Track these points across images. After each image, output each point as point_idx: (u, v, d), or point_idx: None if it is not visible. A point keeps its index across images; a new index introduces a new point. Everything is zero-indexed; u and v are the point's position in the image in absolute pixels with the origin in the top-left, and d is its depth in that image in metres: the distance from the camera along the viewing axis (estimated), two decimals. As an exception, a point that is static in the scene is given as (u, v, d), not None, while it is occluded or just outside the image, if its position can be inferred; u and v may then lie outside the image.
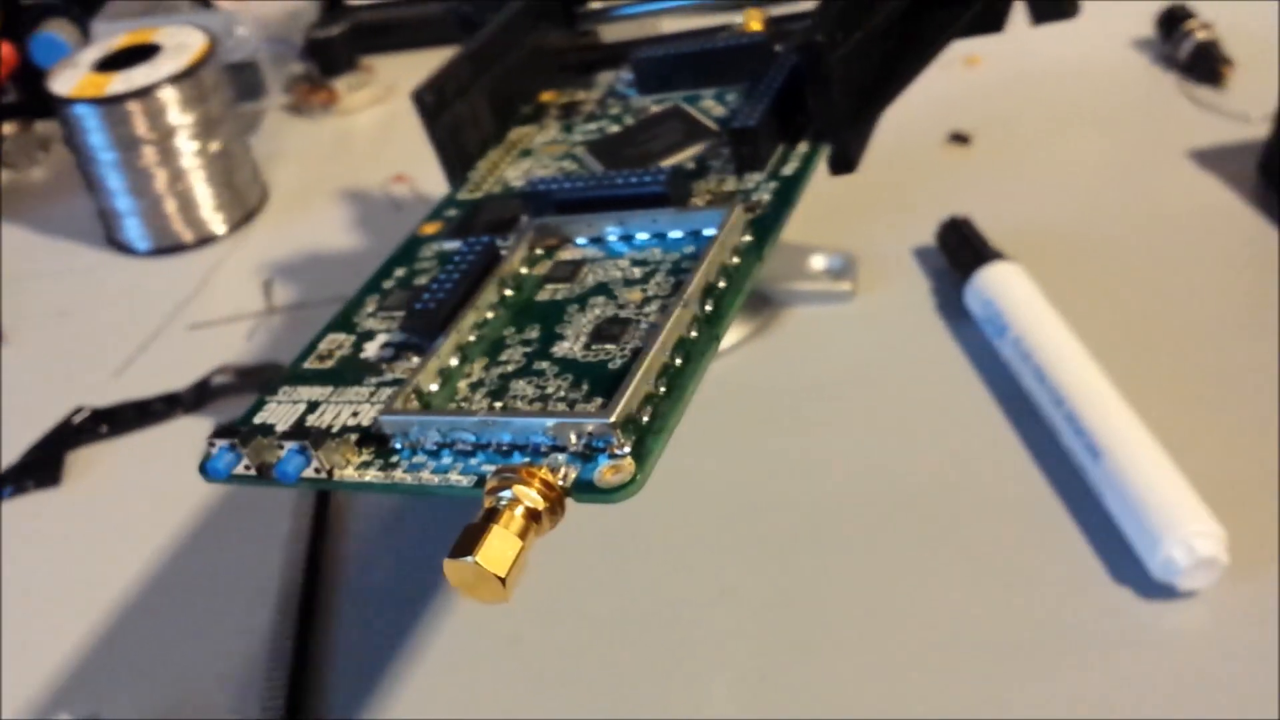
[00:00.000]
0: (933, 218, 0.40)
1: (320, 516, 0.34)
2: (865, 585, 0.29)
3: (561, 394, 0.22)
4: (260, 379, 0.39)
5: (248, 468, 0.22)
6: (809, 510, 0.32)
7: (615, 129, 0.32)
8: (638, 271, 0.25)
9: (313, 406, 0.24)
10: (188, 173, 0.48)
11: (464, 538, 0.19)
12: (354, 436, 0.23)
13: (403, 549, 0.33)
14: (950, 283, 0.39)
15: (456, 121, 0.32)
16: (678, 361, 0.22)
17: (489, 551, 0.19)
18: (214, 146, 0.48)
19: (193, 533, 0.34)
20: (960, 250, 0.38)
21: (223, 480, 0.23)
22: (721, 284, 0.24)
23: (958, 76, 0.51)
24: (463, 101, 0.32)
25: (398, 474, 0.22)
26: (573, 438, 0.20)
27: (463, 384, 0.23)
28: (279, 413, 0.24)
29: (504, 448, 0.21)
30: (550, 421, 0.20)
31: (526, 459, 0.21)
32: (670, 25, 0.38)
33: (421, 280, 0.28)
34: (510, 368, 0.23)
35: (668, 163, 0.29)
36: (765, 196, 0.26)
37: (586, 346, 0.23)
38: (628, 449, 0.20)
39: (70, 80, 0.47)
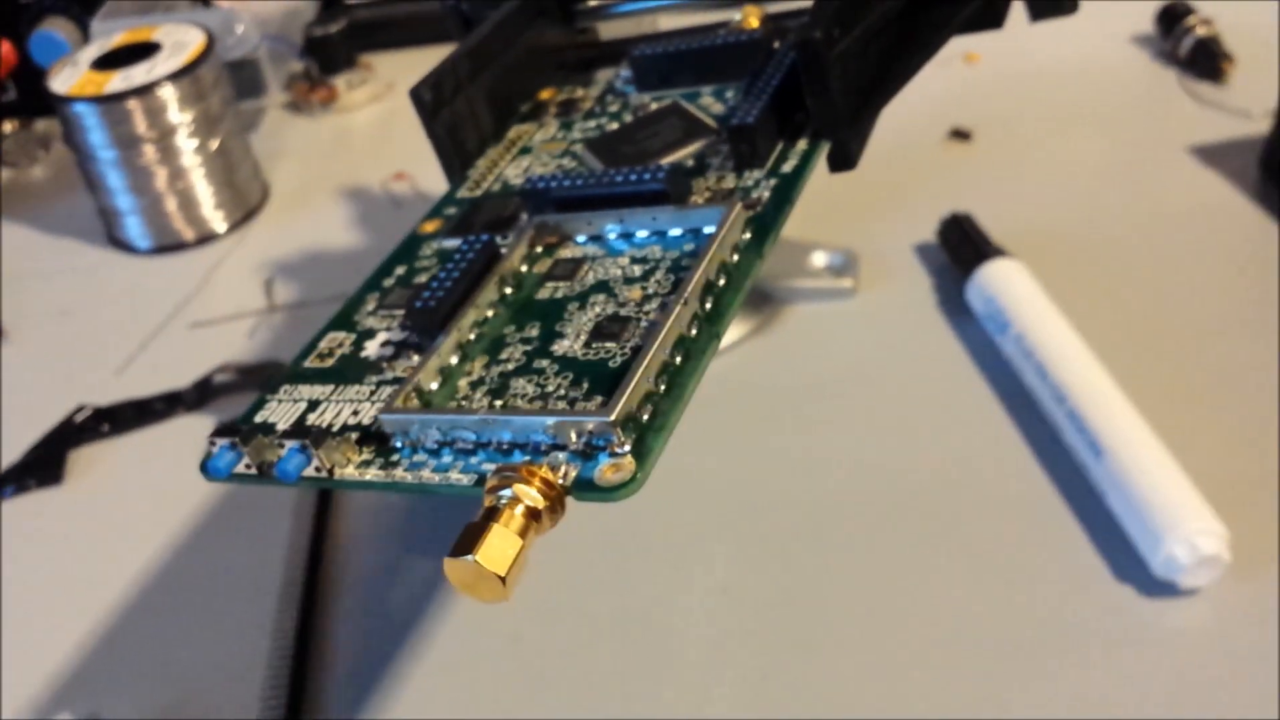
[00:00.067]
0: (934, 215, 0.40)
1: (321, 515, 0.34)
2: (866, 584, 0.29)
3: (562, 392, 0.22)
4: (261, 377, 0.39)
5: (248, 466, 0.22)
6: (810, 508, 0.32)
7: (614, 126, 0.32)
8: (637, 269, 0.25)
9: (313, 405, 0.24)
10: (188, 171, 0.48)
11: (464, 537, 0.19)
12: (354, 435, 0.23)
13: (403, 548, 0.33)
14: (951, 280, 0.39)
15: (455, 119, 0.32)
16: (678, 359, 0.22)
17: (489, 550, 0.19)
18: (214, 144, 0.48)
19: (194, 531, 0.34)
20: (961, 247, 0.38)
21: (224, 479, 0.23)
22: (721, 282, 0.23)
23: (957, 73, 0.51)
24: (461, 99, 0.32)
25: (398, 473, 0.22)
26: (573, 436, 0.20)
27: (463, 382, 0.23)
28: (280, 411, 0.24)
29: (504, 446, 0.21)
30: (550, 420, 0.20)
31: (527, 457, 0.21)
32: (668, 22, 0.38)
33: (422, 278, 0.28)
34: (510, 366, 0.23)
35: (667, 160, 0.29)
36: (765, 194, 0.26)
37: (587, 344, 0.23)
38: (628, 447, 0.20)
39: (70, 79, 0.47)
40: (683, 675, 0.28)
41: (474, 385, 0.23)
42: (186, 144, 0.48)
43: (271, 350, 0.41)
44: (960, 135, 0.47)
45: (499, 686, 0.29)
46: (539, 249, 0.27)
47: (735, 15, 0.34)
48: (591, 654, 0.29)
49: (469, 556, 0.18)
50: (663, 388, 0.21)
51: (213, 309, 0.45)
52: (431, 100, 0.31)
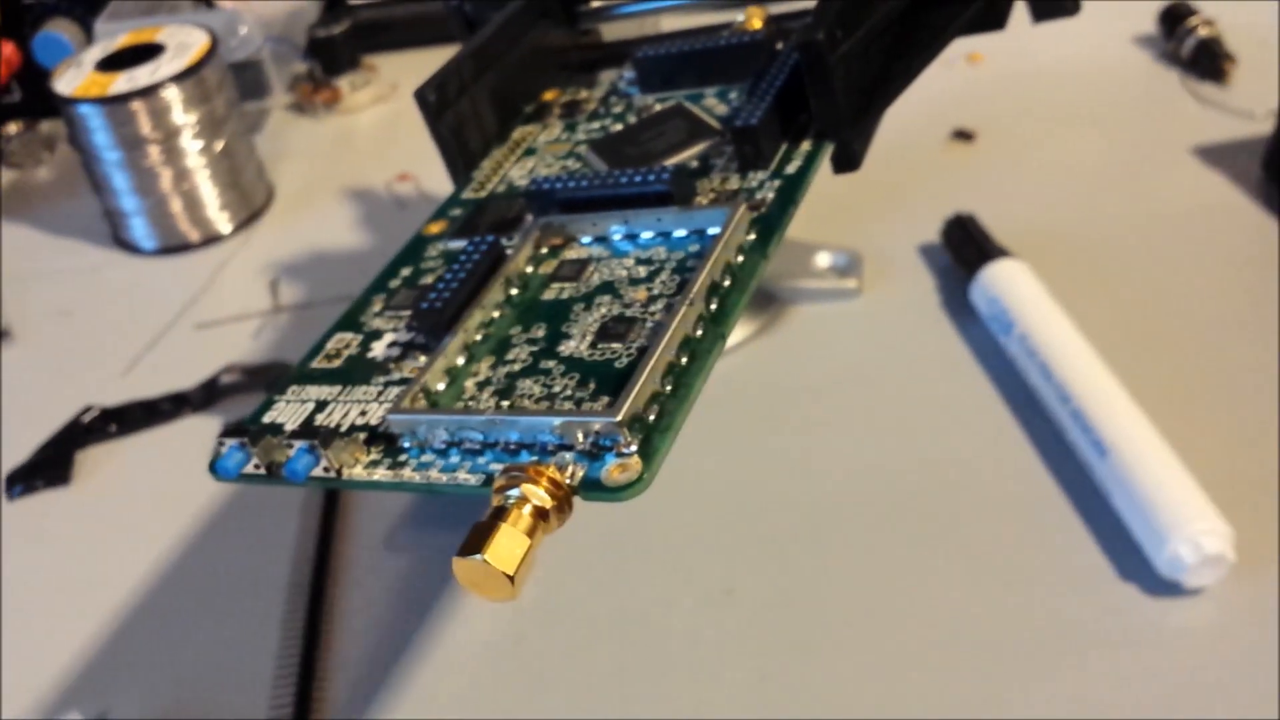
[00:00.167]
0: (937, 215, 0.40)
1: (328, 515, 0.34)
2: (869, 584, 0.30)
3: (568, 393, 0.22)
4: (267, 378, 0.39)
5: (257, 467, 0.23)
6: (814, 509, 0.32)
7: (618, 127, 0.32)
8: (643, 270, 0.25)
9: (321, 406, 0.24)
10: (192, 172, 0.48)
11: (472, 536, 0.19)
12: (362, 435, 0.23)
13: (410, 547, 0.33)
14: (955, 280, 0.39)
15: (459, 120, 0.32)
16: (683, 360, 0.22)
17: (497, 550, 0.19)
18: (218, 146, 0.49)
19: (201, 532, 0.34)
20: (965, 248, 0.38)
21: (232, 479, 0.23)
22: (726, 282, 0.24)
23: (960, 74, 0.51)
24: (465, 100, 0.32)
25: (406, 473, 0.22)
26: (580, 436, 0.20)
27: (470, 383, 0.23)
28: (287, 412, 0.24)
29: (511, 446, 0.21)
30: (557, 420, 0.20)
31: (534, 457, 0.21)
32: (671, 24, 0.38)
33: (427, 279, 0.28)
34: (517, 366, 0.23)
35: (671, 161, 0.29)
36: (769, 195, 0.26)
37: (593, 345, 0.23)
38: (634, 447, 0.20)
39: (74, 80, 0.47)
40: (684, 676, 0.28)
41: (481, 386, 0.23)
42: (191, 145, 0.48)
43: (277, 351, 0.42)
44: (963, 136, 0.47)
45: (504, 686, 0.29)
46: (544, 250, 0.27)
47: (738, 16, 0.34)
48: (594, 654, 0.29)
49: (477, 556, 0.19)
50: (669, 388, 0.21)
51: (218, 310, 0.45)
52: (436, 101, 0.31)
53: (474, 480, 0.21)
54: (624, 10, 0.37)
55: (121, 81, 0.47)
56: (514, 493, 0.19)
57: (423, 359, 0.25)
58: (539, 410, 0.22)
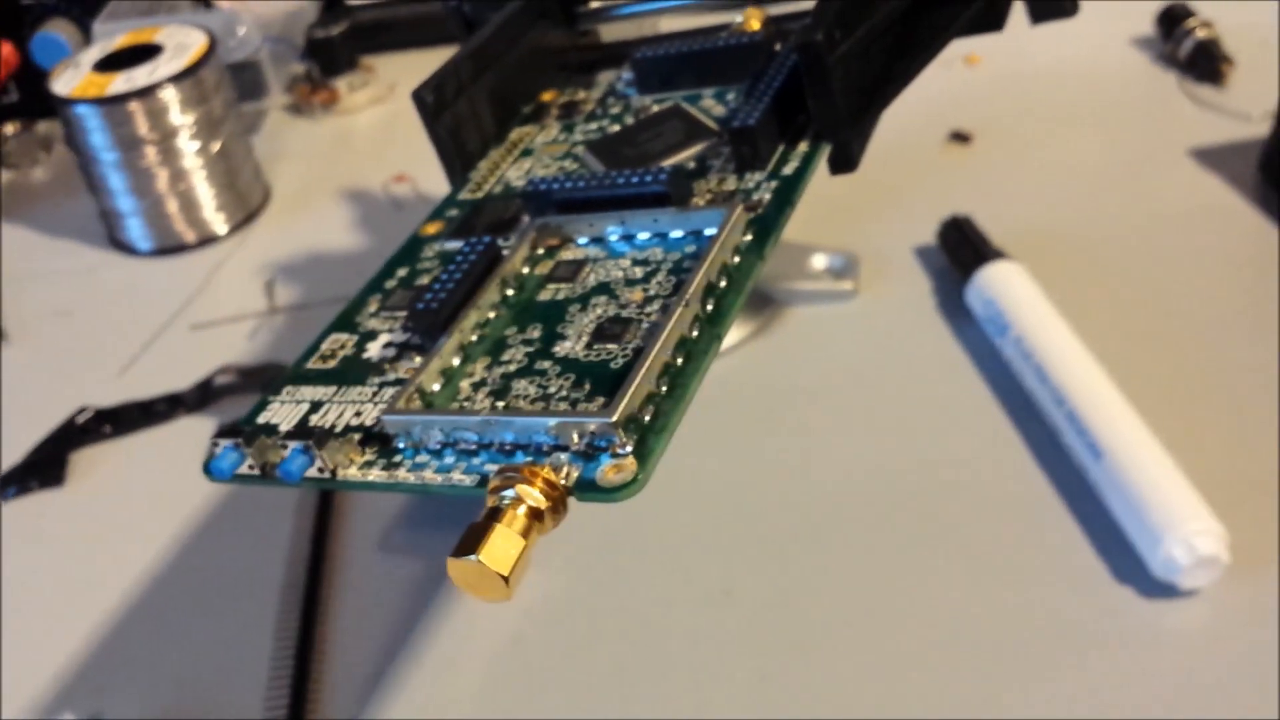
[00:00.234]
0: (934, 217, 0.40)
1: (323, 515, 0.34)
2: (866, 585, 0.30)
3: (564, 393, 0.22)
4: (262, 379, 0.39)
5: (251, 468, 0.22)
6: (810, 510, 0.32)
7: (616, 128, 0.32)
8: (639, 271, 0.25)
9: (316, 406, 0.24)
10: (189, 173, 0.48)
11: (467, 537, 0.19)
12: (357, 436, 0.23)
13: (405, 548, 0.33)
14: (951, 282, 0.39)
15: (457, 121, 0.32)
16: (679, 361, 0.22)
17: (492, 550, 0.19)
18: (215, 146, 0.49)
19: (196, 532, 0.34)
20: (961, 249, 0.38)
21: (227, 480, 0.23)
22: (723, 283, 0.24)
23: (958, 75, 0.52)
24: (463, 101, 0.32)
25: (401, 473, 0.22)
26: (575, 437, 0.20)
27: (465, 383, 0.23)
28: (282, 413, 0.24)
29: (506, 447, 0.21)
30: (552, 421, 0.20)
31: (529, 458, 0.21)
32: (669, 24, 0.38)
33: (423, 280, 0.28)
34: (512, 367, 0.23)
35: (668, 162, 0.29)
36: (766, 196, 0.26)
37: (588, 346, 0.23)
38: (630, 448, 0.20)
39: (71, 80, 0.47)
40: (682, 676, 0.28)
41: (476, 386, 0.23)
42: (188, 146, 0.48)
43: (272, 352, 0.41)
44: (960, 137, 0.47)
45: (500, 687, 0.29)
46: (540, 251, 0.27)
47: (737, 17, 0.34)
48: (591, 654, 0.29)
49: (472, 556, 0.19)
50: (664, 389, 0.21)
51: (214, 310, 0.45)
52: (434, 102, 0.31)
53: (469, 481, 0.21)
54: (622, 11, 0.37)
55: (119, 82, 0.46)
56: (509, 493, 0.19)
57: (418, 359, 0.25)
58: (534, 411, 0.22)
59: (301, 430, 0.23)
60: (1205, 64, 0.48)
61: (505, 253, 0.27)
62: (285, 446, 0.22)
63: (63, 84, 0.47)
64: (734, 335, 0.38)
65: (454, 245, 0.29)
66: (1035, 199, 0.43)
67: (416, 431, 0.22)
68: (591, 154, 0.30)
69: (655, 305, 0.24)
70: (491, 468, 0.21)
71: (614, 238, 0.26)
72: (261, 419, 0.24)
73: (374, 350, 0.26)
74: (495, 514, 0.19)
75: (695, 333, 0.22)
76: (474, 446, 0.21)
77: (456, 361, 0.24)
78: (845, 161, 0.28)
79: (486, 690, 0.29)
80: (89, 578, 0.34)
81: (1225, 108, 0.46)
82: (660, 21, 0.39)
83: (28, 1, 0.56)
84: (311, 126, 0.58)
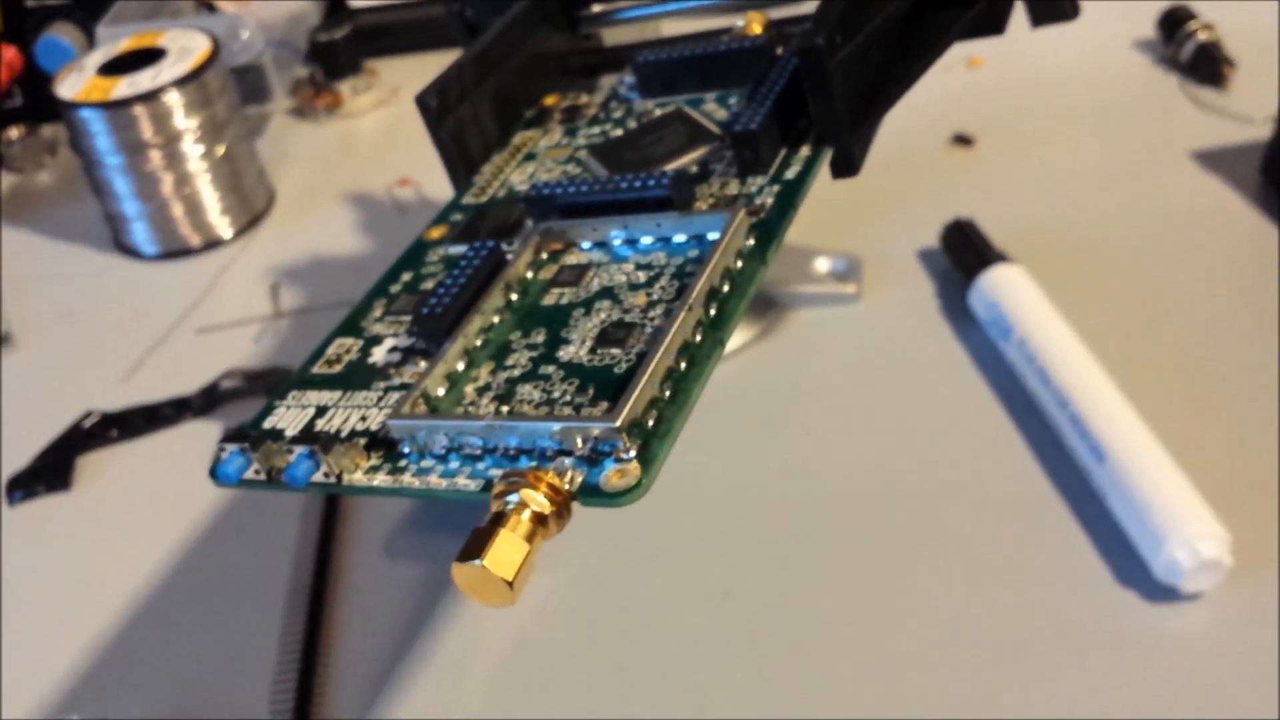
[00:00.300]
0: (936, 220, 0.40)
1: (328, 519, 0.34)
2: (869, 587, 0.30)
3: (567, 398, 0.22)
4: (268, 383, 0.40)
5: (258, 472, 0.23)
6: (813, 513, 0.32)
7: (618, 132, 0.32)
8: (642, 275, 0.25)
9: (321, 411, 0.24)
10: (194, 176, 0.48)
11: (471, 541, 0.19)
12: (362, 441, 0.23)
13: (410, 552, 0.33)
14: (954, 285, 0.39)
15: (460, 125, 0.32)
16: (683, 365, 0.22)
17: (496, 555, 0.19)
18: (219, 150, 0.49)
19: (202, 536, 0.34)
20: (964, 252, 0.39)
21: (233, 485, 0.23)
22: (725, 288, 0.24)
23: (960, 78, 0.52)
24: (466, 105, 0.32)
25: (405, 478, 0.22)
26: (579, 442, 0.20)
27: (469, 388, 0.23)
28: (288, 417, 0.24)
29: (511, 452, 0.21)
30: (556, 426, 0.20)
31: (533, 463, 0.21)
32: (671, 28, 0.38)
33: (428, 285, 0.28)
34: (516, 372, 0.23)
35: (671, 166, 0.29)
36: (768, 200, 0.26)
37: (592, 351, 0.23)
38: (633, 453, 0.20)
39: (75, 84, 0.47)
40: (685, 677, 0.28)
41: (480, 391, 0.23)
42: (192, 150, 0.48)
43: (278, 356, 0.42)
44: (963, 140, 0.47)
45: (505, 689, 0.29)
46: (544, 255, 0.27)
47: (738, 21, 0.34)
48: (594, 656, 0.29)
49: (476, 561, 0.19)
50: (668, 393, 0.21)
51: (219, 314, 0.45)
52: (437, 107, 0.31)
53: (473, 486, 0.21)
54: (625, 15, 0.37)
55: (123, 86, 0.47)
56: (513, 498, 0.20)
57: (423, 364, 0.25)
58: (538, 416, 0.22)
59: (307, 435, 0.23)
60: (1207, 66, 0.48)
61: (509, 257, 0.27)
62: (291, 451, 0.22)
63: (67, 88, 0.47)
64: (737, 338, 0.38)
65: (458, 250, 0.29)
66: (1038, 202, 0.43)
67: (421, 436, 0.22)
68: (594, 158, 0.30)
69: (658, 310, 0.24)
70: (496, 472, 0.21)
71: (617, 242, 0.27)
72: (267, 424, 0.24)
73: (379, 355, 0.26)
74: (499, 519, 0.19)
75: (698, 337, 0.22)
76: (478, 451, 0.21)
77: (461, 366, 0.24)
78: (847, 166, 0.28)
79: (491, 692, 0.29)
80: (95, 581, 0.34)
81: (1227, 110, 0.46)
82: (662, 25, 0.39)
83: (32, 5, 0.56)
84: (315, 130, 0.58)
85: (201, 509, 0.35)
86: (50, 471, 0.38)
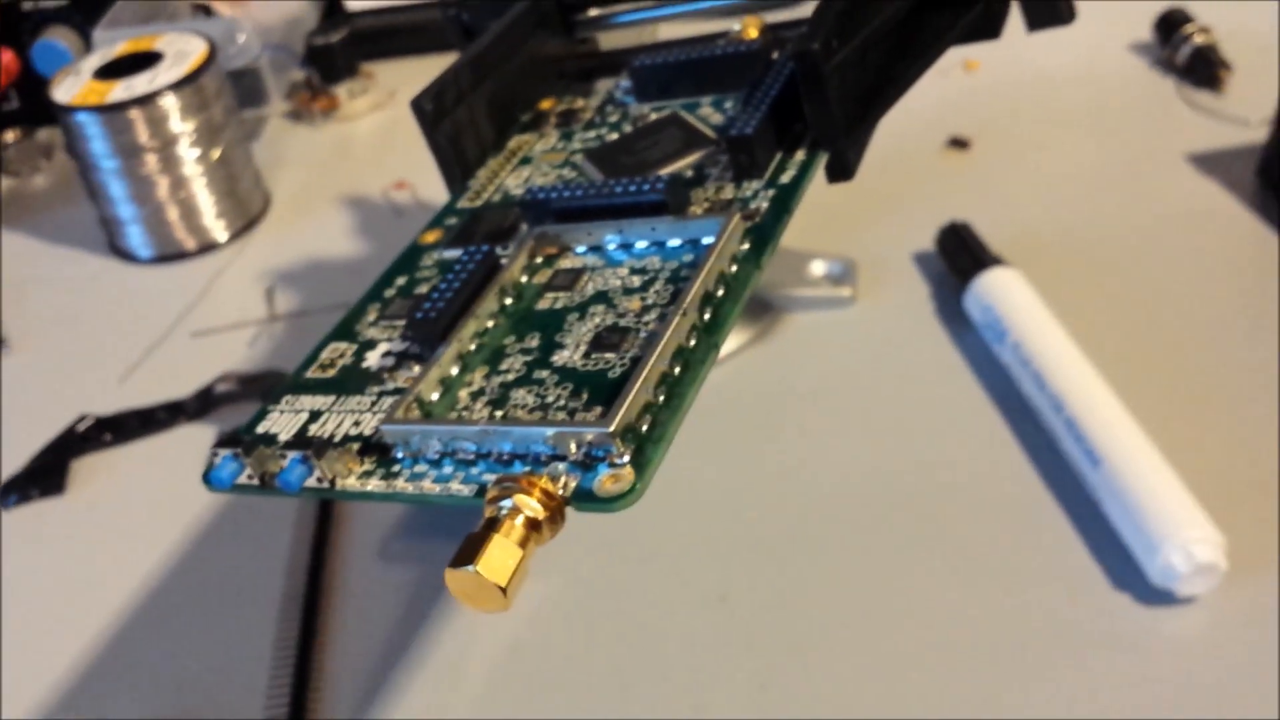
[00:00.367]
0: (932, 223, 0.40)
1: (322, 524, 0.34)
2: (865, 591, 0.30)
3: (561, 403, 0.22)
4: (263, 386, 0.39)
5: (251, 477, 0.23)
6: (808, 516, 0.32)
7: (614, 137, 0.32)
8: (637, 280, 0.25)
9: (315, 416, 0.24)
10: (189, 180, 0.48)
11: (465, 547, 0.19)
12: (356, 446, 0.23)
13: (404, 556, 0.33)
14: (950, 288, 0.39)
15: (456, 129, 0.32)
16: (677, 370, 0.22)
17: (490, 561, 0.19)
18: (215, 153, 0.49)
19: (196, 540, 0.34)
20: (959, 256, 0.39)
21: (226, 490, 0.23)
22: (720, 292, 0.24)
23: (956, 81, 0.52)
24: (462, 109, 0.32)
25: (399, 483, 0.22)
26: (573, 447, 0.20)
27: (463, 393, 0.23)
28: (281, 422, 0.24)
29: (505, 457, 0.21)
30: (550, 430, 0.20)
31: (527, 468, 0.21)
32: (668, 32, 0.38)
33: (422, 289, 0.28)
34: (511, 376, 0.23)
35: (666, 171, 0.29)
36: (763, 204, 0.26)
37: (586, 355, 0.23)
38: (627, 458, 0.20)
39: (72, 88, 0.47)
40: (681, 682, 0.28)
41: (474, 396, 0.23)
42: (188, 153, 0.48)
43: (273, 359, 0.42)
44: (959, 144, 0.47)
45: (499, 693, 0.29)
46: (539, 259, 0.27)
47: (734, 26, 0.34)
48: (590, 661, 0.29)
49: (470, 567, 0.19)
50: (662, 398, 0.21)
51: (214, 318, 0.45)
52: (433, 111, 0.31)
53: (467, 491, 0.21)
54: (621, 19, 0.37)
55: (119, 89, 0.47)
56: (507, 503, 0.20)
57: (417, 369, 0.25)
58: (532, 420, 0.22)
59: (300, 440, 0.23)
60: (1203, 69, 0.48)
61: (504, 261, 0.27)
62: (284, 456, 0.22)
63: (63, 91, 0.47)
64: (733, 341, 0.38)
65: (453, 254, 0.29)
66: (1033, 205, 0.43)
67: (415, 441, 0.22)
68: (590, 162, 0.30)
69: (653, 314, 0.24)
70: (489, 477, 0.21)
71: (612, 246, 0.27)
72: (260, 428, 0.24)
73: (373, 359, 0.26)
74: (493, 524, 0.19)
75: (693, 342, 0.22)
76: (472, 456, 0.21)
77: (455, 371, 0.24)
78: (842, 170, 0.28)
79: (485, 697, 0.29)
80: (90, 585, 0.34)
81: (1223, 113, 0.46)
82: (658, 29, 0.39)
83: (28, 8, 0.56)
84: (311, 133, 0.58)
85: (196, 512, 0.35)
86: (44, 475, 0.38)
